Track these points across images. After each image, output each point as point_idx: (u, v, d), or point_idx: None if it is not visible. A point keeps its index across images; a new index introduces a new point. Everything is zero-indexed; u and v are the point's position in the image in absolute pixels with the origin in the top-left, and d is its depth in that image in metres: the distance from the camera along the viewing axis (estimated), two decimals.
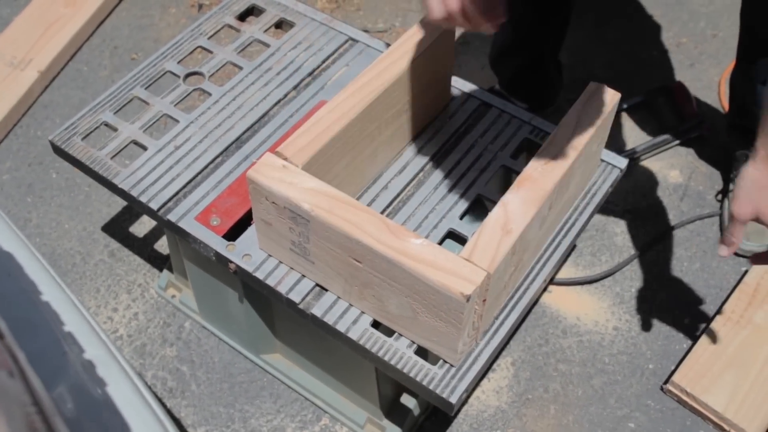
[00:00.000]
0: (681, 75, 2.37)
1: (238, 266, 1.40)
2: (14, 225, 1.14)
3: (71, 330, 0.98)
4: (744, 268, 1.95)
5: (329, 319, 1.33)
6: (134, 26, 2.51)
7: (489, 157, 1.54)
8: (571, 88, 2.25)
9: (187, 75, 1.67)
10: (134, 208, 1.87)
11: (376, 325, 1.33)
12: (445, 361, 1.29)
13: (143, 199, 1.48)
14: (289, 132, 1.57)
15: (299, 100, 1.63)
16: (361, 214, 1.22)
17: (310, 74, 1.68)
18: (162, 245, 2.01)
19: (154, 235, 2.03)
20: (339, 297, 1.35)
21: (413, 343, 1.30)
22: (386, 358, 1.29)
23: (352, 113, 1.35)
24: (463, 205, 1.47)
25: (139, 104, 1.64)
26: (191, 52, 1.72)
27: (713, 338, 1.77)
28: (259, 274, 1.38)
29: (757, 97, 1.88)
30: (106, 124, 1.60)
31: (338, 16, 2.49)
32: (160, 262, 1.98)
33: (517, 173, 1.46)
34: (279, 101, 1.63)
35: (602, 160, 1.56)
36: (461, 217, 1.46)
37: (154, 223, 2.04)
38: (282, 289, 1.36)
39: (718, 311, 1.84)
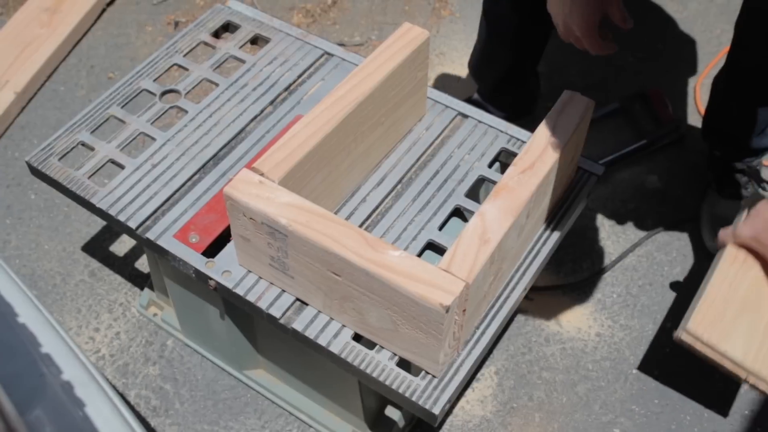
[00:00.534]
0: (657, 81, 2.39)
1: (218, 283, 1.40)
2: None
3: (48, 351, 0.97)
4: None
5: (310, 334, 1.33)
6: (111, 45, 2.50)
7: (466, 168, 1.54)
8: (548, 96, 2.26)
9: (164, 93, 1.67)
10: (113, 228, 1.86)
11: (357, 338, 1.33)
12: (428, 372, 1.29)
13: (121, 218, 1.48)
14: (266, 147, 1.57)
15: (276, 116, 1.63)
16: (339, 228, 1.22)
17: (286, 89, 1.68)
18: (143, 264, 2.01)
19: (134, 253, 2.02)
20: (319, 311, 1.35)
21: (395, 355, 1.30)
22: (368, 371, 1.29)
23: (328, 127, 1.35)
24: (441, 216, 1.47)
25: (116, 123, 1.64)
26: (167, 70, 1.71)
27: (723, 282, 1.69)
28: (239, 290, 1.38)
29: (742, 108, 1.87)
30: (83, 144, 1.59)
31: (314, 31, 2.50)
32: (141, 280, 1.97)
33: (495, 183, 1.47)
34: (255, 117, 1.63)
35: (579, 168, 1.57)
36: (440, 228, 1.46)
37: (134, 242, 2.03)
38: (262, 304, 1.36)
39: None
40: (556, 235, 1.48)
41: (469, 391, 1.80)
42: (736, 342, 1.60)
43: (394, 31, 1.48)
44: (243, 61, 1.73)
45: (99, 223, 2.07)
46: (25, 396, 0.88)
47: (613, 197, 2.12)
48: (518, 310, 1.90)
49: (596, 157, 2.02)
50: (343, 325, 1.33)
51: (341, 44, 2.29)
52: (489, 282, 1.29)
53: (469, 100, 2.18)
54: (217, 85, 1.69)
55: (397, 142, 1.58)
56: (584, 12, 1.44)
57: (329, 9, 2.60)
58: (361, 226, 1.46)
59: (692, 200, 2.11)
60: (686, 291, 1.94)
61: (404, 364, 1.30)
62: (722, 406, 1.78)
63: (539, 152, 1.34)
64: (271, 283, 1.38)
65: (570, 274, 1.98)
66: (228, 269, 1.40)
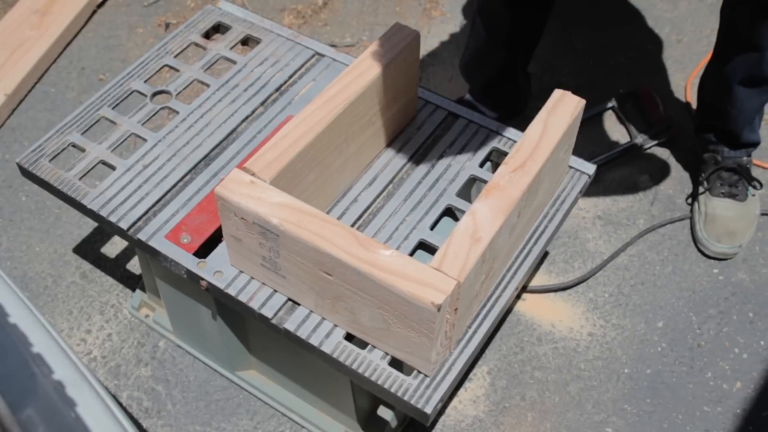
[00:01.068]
0: (648, 80, 2.39)
1: (209, 283, 1.40)
2: None
3: (40, 351, 0.97)
4: (715, 270, 1.97)
5: (302, 334, 1.33)
6: (101, 47, 2.50)
7: (457, 167, 1.55)
8: (539, 96, 2.26)
9: (155, 94, 1.67)
10: (105, 229, 1.86)
11: (349, 338, 1.33)
12: (420, 372, 1.29)
13: (113, 219, 1.47)
14: (257, 148, 1.57)
15: (267, 116, 1.63)
16: (330, 227, 1.22)
17: (277, 90, 1.68)
18: (134, 265, 2.00)
19: (125, 255, 2.02)
20: (311, 311, 1.35)
21: (387, 354, 1.30)
22: (360, 371, 1.29)
23: (319, 127, 1.35)
24: (433, 215, 1.48)
25: (107, 124, 1.63)
26: (158, 71, 1.71)
27: None
28: (231, 291, 1.38)
29: (732, 96, 1.89)
30: (74, 145, 1.59)
31: (305, 32, 2.50)
32: (132, 282, 1.97)
33: (486, 182, 1.47)
34: (247, 117, 1.63)
35: (570, 167, 1.57)
36: (432, 228, 1.46)
37: (125, 243, 2.03)
38: (254, 304, 1.36)
39: None
40: (547, 235, 1.48)
41: (461, 391, 1.80)
42: None
43: (385, 32, 1.49)
44: (234, 62, 1.73)
45: (90, 225, 2.07)
46: (17, 395, 0.88)
47: (605, 197, 2.13)
48: (510, 310, 1.90)
49: (588, 156, 2.02)
50: (335, 325, 1.33)
51: (332, 45, 2.29)
52: (480, 281, 1.29)
53: (461, 101, 2.18)
54: (208, 86, 1.69)
55: (389, 142, 1.58)
56: None
57: (320, 10, 2.61)
58: (352, 225, 1.46)
59: (684, 199, 2.11)
60: (678, 291, 1.95)
61: (396, 363, 1.30)
62: (714, 405, 1.78)
63: (530, 151, 1.34)
64: (263, 283, 1.38)
65: (562, 274, 1.98)
66: (220, 269, 1.40)
